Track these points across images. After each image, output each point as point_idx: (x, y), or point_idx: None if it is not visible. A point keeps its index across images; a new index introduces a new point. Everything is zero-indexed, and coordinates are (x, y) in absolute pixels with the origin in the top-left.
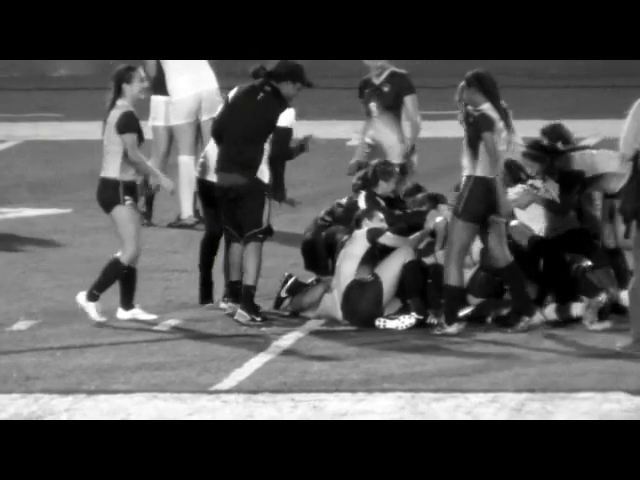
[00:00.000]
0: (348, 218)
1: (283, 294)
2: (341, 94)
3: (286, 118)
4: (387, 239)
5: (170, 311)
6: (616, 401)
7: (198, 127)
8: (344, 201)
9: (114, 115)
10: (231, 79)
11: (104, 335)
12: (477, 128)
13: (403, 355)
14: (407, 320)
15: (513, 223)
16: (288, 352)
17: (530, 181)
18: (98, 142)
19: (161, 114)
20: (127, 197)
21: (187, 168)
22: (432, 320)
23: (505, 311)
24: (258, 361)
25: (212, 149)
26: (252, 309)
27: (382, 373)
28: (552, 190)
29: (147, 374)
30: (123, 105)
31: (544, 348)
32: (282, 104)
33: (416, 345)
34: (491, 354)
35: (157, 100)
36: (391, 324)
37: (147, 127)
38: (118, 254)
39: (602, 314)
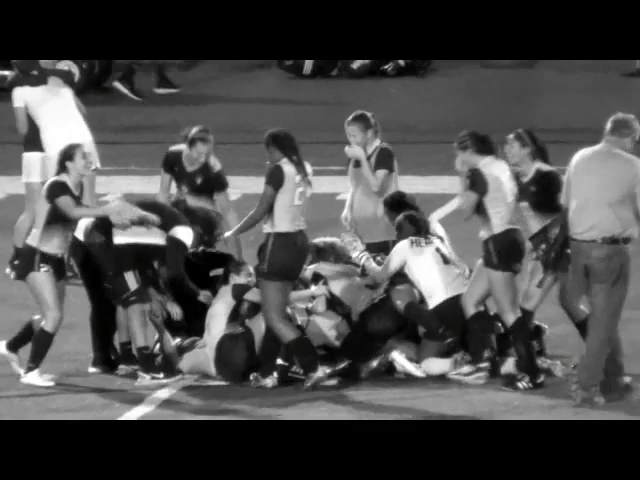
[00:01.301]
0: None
1: (156, 351)
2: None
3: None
4: (253, 295)
5: (44, 365)
6: None
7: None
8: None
9: (44, 186)
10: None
11: None
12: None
13: (277, 410)
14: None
15: (398, 287)
16: (162, 406)
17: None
18: None
19: (36, 170)
20: (43, 265)
21: None
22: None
23: (375, 363)
24: (132, 415)
25: None
26: (150, 368)
27: None
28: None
29: None
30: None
31: (418, 408)
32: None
33: (289, 400)
34: (365, 409)
35: (31, 156)
36: (265, 380)
37: (19, 184)
38: (42, 323)
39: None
